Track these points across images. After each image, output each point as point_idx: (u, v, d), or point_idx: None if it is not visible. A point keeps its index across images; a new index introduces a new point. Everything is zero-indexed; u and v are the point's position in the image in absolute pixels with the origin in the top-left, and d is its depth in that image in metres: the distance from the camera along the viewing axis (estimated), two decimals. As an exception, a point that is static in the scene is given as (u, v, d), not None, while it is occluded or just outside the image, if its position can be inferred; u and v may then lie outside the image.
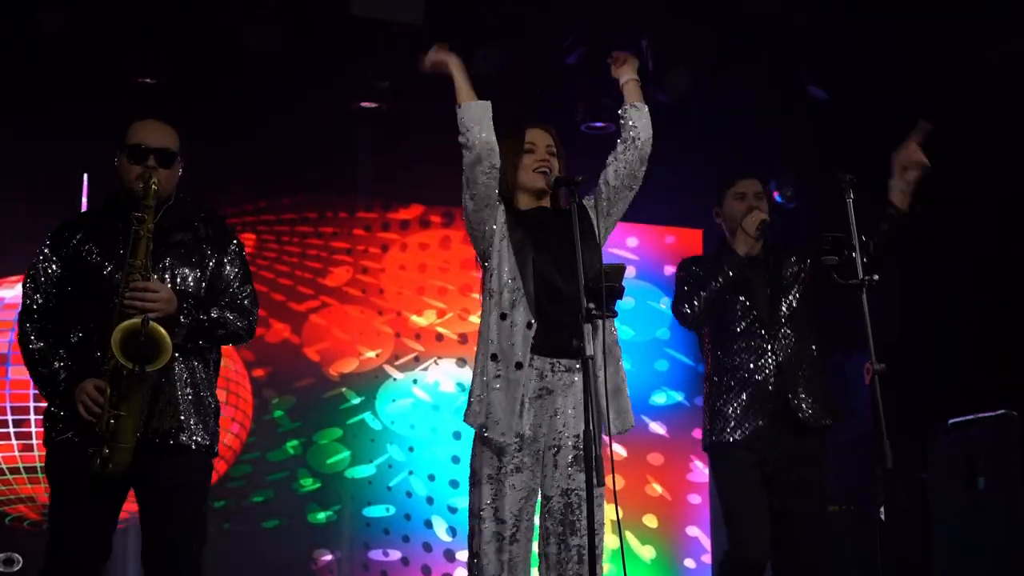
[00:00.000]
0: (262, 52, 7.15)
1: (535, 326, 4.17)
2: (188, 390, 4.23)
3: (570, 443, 4.22)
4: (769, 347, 5.05)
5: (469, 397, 4.25)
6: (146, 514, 4.25)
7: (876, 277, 4.54)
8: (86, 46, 7.04)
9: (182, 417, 4.19)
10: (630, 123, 4.47)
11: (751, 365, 5.05)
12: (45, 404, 4.27)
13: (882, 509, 4.45)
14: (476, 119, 4.22)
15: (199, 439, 4.24)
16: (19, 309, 4.29)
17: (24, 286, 4.28)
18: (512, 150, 4.37)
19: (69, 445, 4.13)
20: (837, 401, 5.27)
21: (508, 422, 4.13)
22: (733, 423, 5.03)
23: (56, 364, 4.15)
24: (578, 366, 4.12)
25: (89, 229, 4.28)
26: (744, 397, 5.03)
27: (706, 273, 5.12)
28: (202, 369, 4.30)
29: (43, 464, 4.34)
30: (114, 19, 7.00)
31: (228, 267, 4.37)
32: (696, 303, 5.08)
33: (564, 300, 4.16)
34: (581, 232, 4.08)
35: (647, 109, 4.52)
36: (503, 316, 4.20)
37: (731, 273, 5.05)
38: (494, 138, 4.23)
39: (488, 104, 4.27)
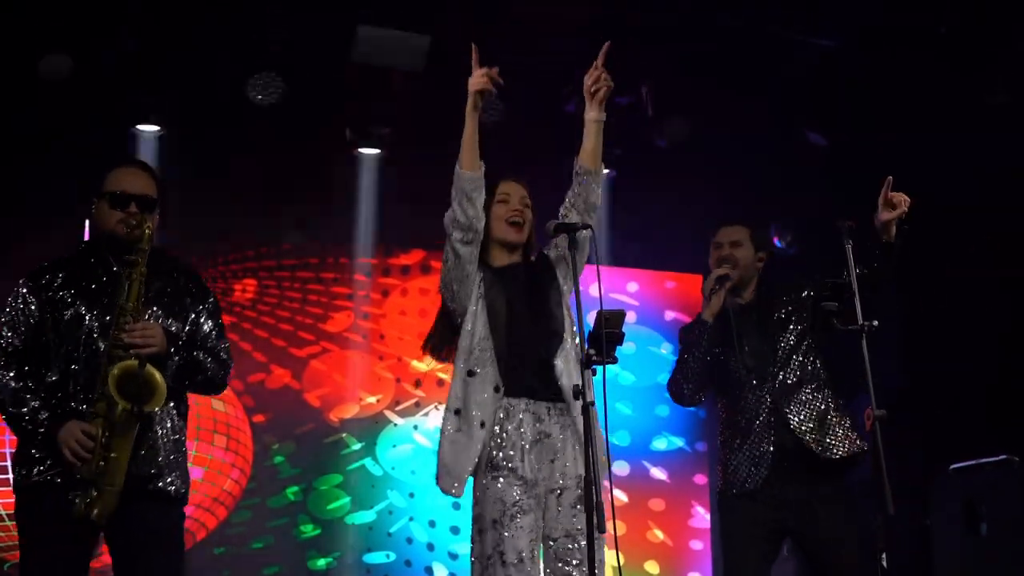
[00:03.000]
0: (264, 98, 7.19)
1: (502, 390, 4.21)
2: (169, 435, 4.22)
3: (572, 485, 4.21)
4: (765, 394, 4.93)
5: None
6: (122, 565, 4.19)
7: (875, 323, 4.51)
8: (88, 93, 7.08)
9: (161, 462, 4.17)
10: (588, 192, 4.42)
11: (748, 414, 4.92)
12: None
13: (884, 556, 4.42)
14: (467, 190, 4.29)
15: (176, 486, 4.22)
16: None
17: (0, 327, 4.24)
18: (486, 202, 4.39)
19: (46, 488, 4.07)
20: (853, 437, 4.93)
21: (459, 476, 4.24)
22: (738, 477, 4.91)
23: (34, 405, 4.10)
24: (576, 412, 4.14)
25: (69, 274, 4.26)
26: (745, 449, 4.90)
27: (683, 348, 5.07)
28: (178, 416, 4.30)
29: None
30: (116, 67, 7.05)
31: (206, 321, 4.39)
32: (684, 386, 5.03)
33: (530, 347, 4.24)
34: (546, 283, 4.31)
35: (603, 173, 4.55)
36: (471, 373, 4.25)
37: (702, 345, 4.96)
38: (481, 212, 4.32)
39: (481, 177, 4.30)
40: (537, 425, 4.22)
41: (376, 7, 6.98)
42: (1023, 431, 6.84)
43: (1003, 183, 7.34)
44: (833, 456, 4.86)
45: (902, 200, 4.80)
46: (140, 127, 7.24)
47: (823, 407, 4.93)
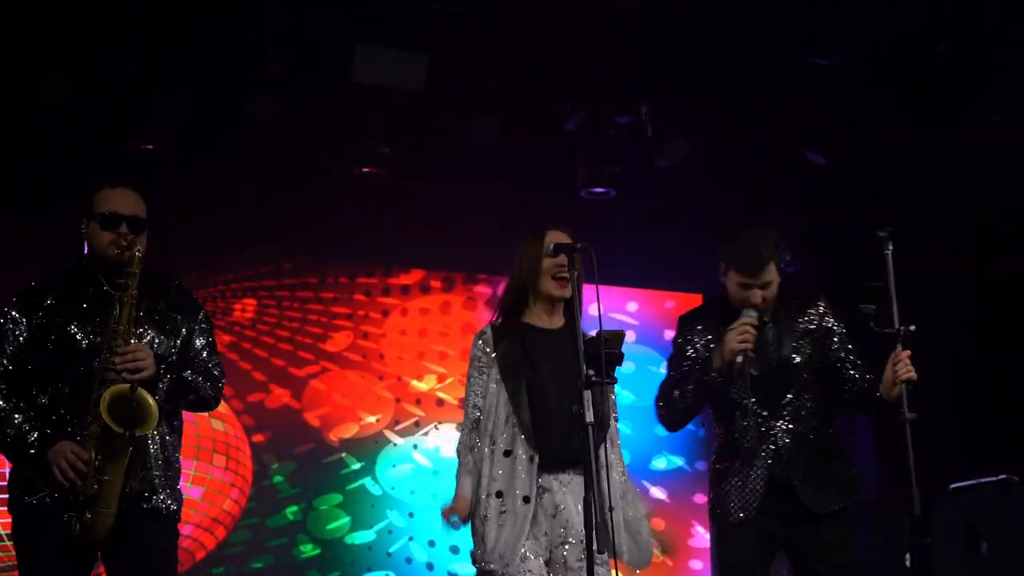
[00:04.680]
0: (264, 118, 7.21)
1: (537, 459, 4.20)
2: (159, 453, 4.24)
3: (578, 540, 4.19)
4: (771, 419, 4.72)
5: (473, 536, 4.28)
6: None
7: (912, 328, 4.44)
8: (87, 113, 7.09)
9: (155, 480, 4.20)
10: None
11: (750, 438, 4.68)
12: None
13: (908, 556, 4.38)
14: None
15: (169, 503, 4.25)
16: None
17: None
18: (533, 254, 4.38)
19: (42, 509, 4.09)
20: (851, 478, 4.82)
21: (512, 555, 4.14)
22: (735, 502, 4.70)
23: (25, 427, 4.10)
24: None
25: (59, 294, 4.26)
26: (744, 475, 4.70)
27: (683, 375, 4.81)
28: (169, 433, 4.31)
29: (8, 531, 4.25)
30: (115, 87, 7.06)
31: (198, 338, 4.41)
32: (668, 411, 4.83)
33: (558, 420, 4.16)
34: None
35: None
36: (507, 453, 4.23)
37: (699, 388, 4.73)
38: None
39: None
40: (539, 480, 4.23)
41: (375, 25, 6.99)
42: (1023, 450, 6.85)
43: (1003, 189, 7.36)
44: (832, 508, 4.71)
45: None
46: (139, 147, 7.23)
47: (822, 449, 4.77)
